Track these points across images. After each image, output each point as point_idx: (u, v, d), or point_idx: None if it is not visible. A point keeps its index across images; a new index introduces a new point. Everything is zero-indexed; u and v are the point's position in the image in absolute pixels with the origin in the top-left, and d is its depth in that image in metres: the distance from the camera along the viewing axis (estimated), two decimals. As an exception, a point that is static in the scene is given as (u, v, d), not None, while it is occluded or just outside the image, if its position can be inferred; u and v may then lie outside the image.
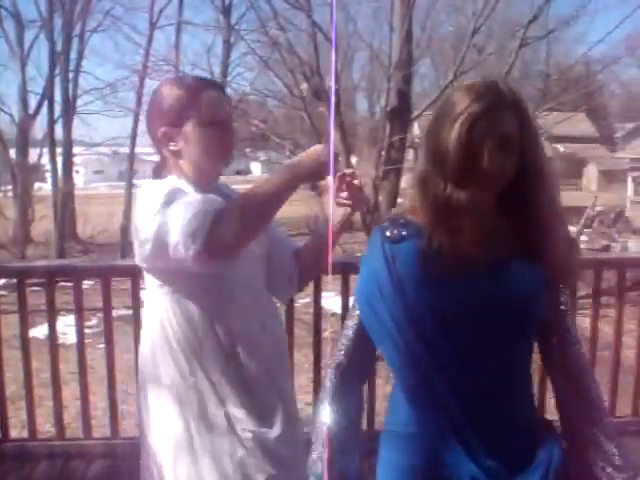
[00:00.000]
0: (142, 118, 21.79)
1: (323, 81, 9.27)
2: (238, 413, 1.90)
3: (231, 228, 1.73)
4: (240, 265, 1.87)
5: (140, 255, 1.86)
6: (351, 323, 1.64)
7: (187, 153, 1.94)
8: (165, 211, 1.75)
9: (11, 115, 22.83)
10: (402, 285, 1.51)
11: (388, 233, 1.56)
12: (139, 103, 21.18)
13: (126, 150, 23.34)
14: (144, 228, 1.80)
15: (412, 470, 1.56)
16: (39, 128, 23.86)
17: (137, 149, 22.83)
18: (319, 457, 1.58)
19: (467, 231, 1.46)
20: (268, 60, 11.00)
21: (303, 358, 5.45)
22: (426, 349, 1.50)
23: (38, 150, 23.00)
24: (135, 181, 23.36)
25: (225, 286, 1.92)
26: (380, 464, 1.63)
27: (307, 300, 5.89)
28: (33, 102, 22.91)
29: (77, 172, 23.93)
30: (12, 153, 21.89)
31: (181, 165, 1.97)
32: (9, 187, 21.27)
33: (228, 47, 21.12)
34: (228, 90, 18.81)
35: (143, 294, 2.07)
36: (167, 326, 1.92)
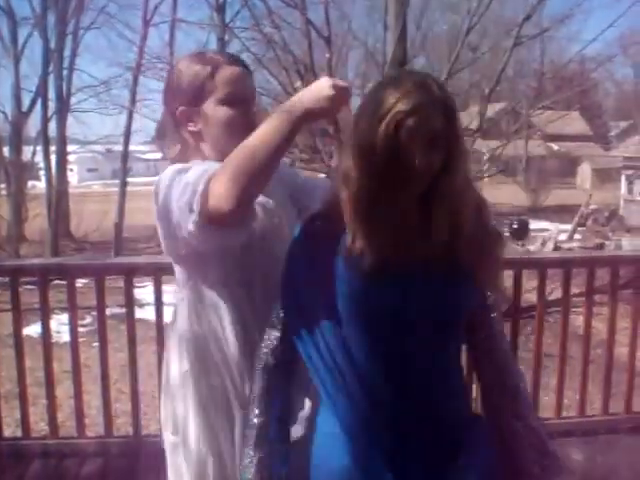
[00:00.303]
0: (136, 116, 21.80)
1: (317, 79, 9.24)
2: None
3: (224, 189, 1.51)
4: (259, 240, 1.74)
5: (163, 248, 1.78)
6: (277, 321, 1.61)
7: (207, 134, 1.80)
8: (167, 192, 1.63)
9: (4, 113, 22.79)
10: (323, 285, 1.49)
11: (311, 229, 1.56)
12: (133, 101, 21.17)
13: (120, 148, 23.33)
14: (155, 217, 1.71)
15: (345, 470, 1.53)
16: (33, 126, 23.79)
17: (131, 147, 22.84)
18: (250, 462, 1.54)
19: (389, 232, 1.43)
20: (262, 58, 10.95)
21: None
22: (345, 353, 1.49)
23: (32, 148, 22.94)
24: (129, 179, 23.35)
25: (247, 271, 1.78)
26: (312, 464, 1.60)
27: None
28: (27, 100, 22.88)
29: (71, 170, 23.93)
30: (5, 151, 21.82)
31: (202, 148, 1.83)
32: (2, 185, 21.22)
33: (222, 45, 21.00)
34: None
35: (174, 293, 1.95)
36: (194, 321, 1.84)
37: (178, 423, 1.90)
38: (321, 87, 1.56)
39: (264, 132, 1.54)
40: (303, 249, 1.56)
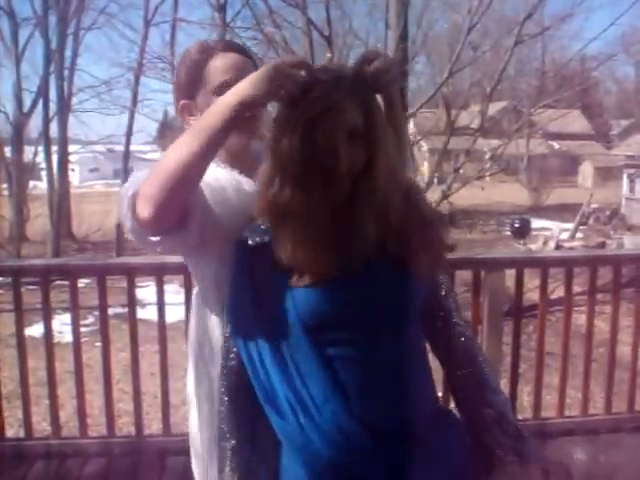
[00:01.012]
0: (137, 116, 21.78)
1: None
2: None
3: (143, 197, 1.42)
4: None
5: None
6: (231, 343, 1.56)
7: None
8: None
9: (6, 113, 22.78)
10: (263, 296, 1.46)
11: (250, 242, 1.50)
12: (134, 101, 21.17)
13: (121, 148, 23.33)
14: None
15: None
16: (34, 126, 23.81)
17: (132, 147, 22.81)
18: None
19: (316, 237, 1.39)
20: (264, 58, 10.97)
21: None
22: (293, 361, 1.45)
23: (33, 148, 22.97)
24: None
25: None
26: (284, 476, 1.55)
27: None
28: (28, 100, 22.87)
29: (72, 170, 23.95)
30: (7, 151, 21.84)
31: None
32: (4, 186, 21.24)
33: (223, 45, 21.05)
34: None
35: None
36: (196, 322, 1.87)
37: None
38: (255, 74, 1.40)
39: (187, 142, 1.44)
40: (243, 267, 1.51)
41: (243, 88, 1.39)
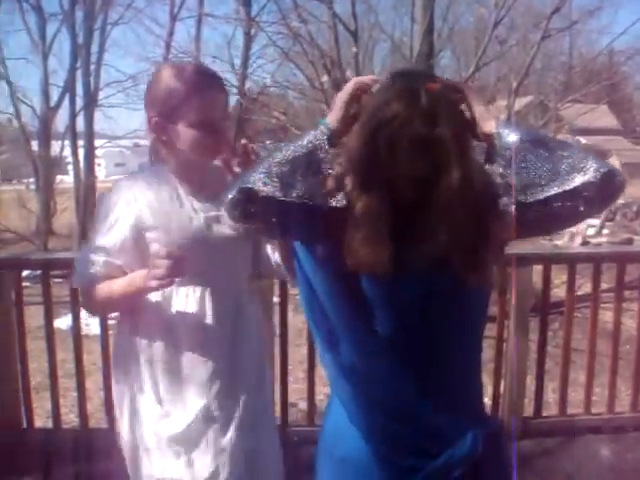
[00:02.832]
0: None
1: (344, 73, 9.25)
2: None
3: (85, 302, 2.16)
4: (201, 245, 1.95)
5: None
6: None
7: (175, 149, 1.94)
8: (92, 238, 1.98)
9: (33, 108, 22.94)
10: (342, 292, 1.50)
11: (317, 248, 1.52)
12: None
13: (147, 143, 23.37)
14: None
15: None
16: (61, 121, 23.94)
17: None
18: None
19: (384, 239, 1.41)
20: (289, 52, 10.97)
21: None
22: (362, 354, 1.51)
23: (60, 143, 23.13)
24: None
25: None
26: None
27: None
28: (55, 95, 22.99)
29: (99, 165, 24.09)
30: (34, 145, 22.02)
31: (169, 153, 1.98)
32: (31, 180, 21.41)
33: (249, 39, 21.07)
34: (249, 83, 18.85)
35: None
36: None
37: None
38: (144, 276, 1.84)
39: (117, 295, 1.93)
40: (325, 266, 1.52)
41: (144, 285, 1.83)
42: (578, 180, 1.39)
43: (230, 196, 1.43)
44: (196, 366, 1.97)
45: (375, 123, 1.40)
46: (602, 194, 1.41)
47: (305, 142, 1.48)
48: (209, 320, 1.97)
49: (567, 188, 1.39)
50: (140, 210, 1.92)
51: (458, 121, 1.45)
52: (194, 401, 1.97)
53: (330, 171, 1.46)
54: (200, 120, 1.87)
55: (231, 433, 1.98)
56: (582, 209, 1.42)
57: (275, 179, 1.41)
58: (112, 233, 1.92)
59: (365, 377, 1.52)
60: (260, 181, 1.41)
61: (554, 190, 1.40)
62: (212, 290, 1.97)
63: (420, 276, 1.43)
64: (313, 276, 1.53)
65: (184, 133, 1.88)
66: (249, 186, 1.41)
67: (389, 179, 1.40)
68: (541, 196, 1.41)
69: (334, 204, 1.43)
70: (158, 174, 2.00)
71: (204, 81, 1.90)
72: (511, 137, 1.45)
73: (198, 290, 1.96)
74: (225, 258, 1.99)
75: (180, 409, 1.97)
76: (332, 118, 1.51)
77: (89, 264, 1.93)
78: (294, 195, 1.41)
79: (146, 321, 1.99)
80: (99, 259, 1.92)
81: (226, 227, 1.95)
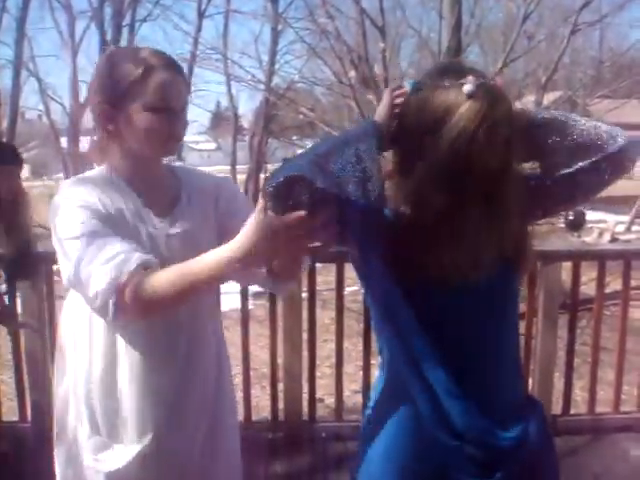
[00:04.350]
0: (190, 106, 22.04)
1: (371, 69, 9.24)
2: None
3: (138, 306, 1.48)
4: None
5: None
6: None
7: (125, 136, 1.68)
8: (78, 253, 1.53)
9: (62, 105, 23.22)
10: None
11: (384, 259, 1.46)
12: (188, 92, 21.34)
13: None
14: (60, 259, 1.60)
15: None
16: (90, 117, 24.19)
17: (185, 137, 22.97)
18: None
19: (461, 241, 1.42)
20: (316, 48, 10.97)
21: (351, 346, 5.47)
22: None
23: (89, 139, 23.32)
24: (183, 169, 23.55)
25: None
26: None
27: (355, 288, 5.92)
28: (84, 91, 23.27)
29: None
30: (63, 142, 22.27)
31: (116, 149, 1.72)
32: (60, 175, 21.63)
33: (276, 35, 21.13)
34: (276, 79, 18.89)
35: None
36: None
37: None
38: (251, 230, 1.33)
39: (196, 273, 1.43)
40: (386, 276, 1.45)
41: (240, 248, 1.35)
42: (598, 153, 1.47)
43: (277, 184, 1.22)
44: (138, 393, 1.73)
45: (455, 133, 1.33)
46: (622, 161, 1.50)
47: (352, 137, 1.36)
48: (158, 346, 1.73)
49: (591, 160, 1.47)
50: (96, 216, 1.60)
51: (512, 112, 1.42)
52: (135, 433, 1.74)
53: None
54: (158, 102, 1.63)
55: (178, 469, 1.79)
56: (607, 177, 1.51)
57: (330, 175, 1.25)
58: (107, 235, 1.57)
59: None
60: (313, 172, 1.23)
61: (579, 164, 1.47)
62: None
63: (489, 273, 1.44)
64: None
65: (137, 118, 1.64)
66: (302, 174, 1.22)
67: (472, 178, 1.37)
68: (566, 170, 1.49)
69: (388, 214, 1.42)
70: (106, 178, 1.72)
71: (163, 62, 1.67)
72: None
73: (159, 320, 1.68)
74: None
75: (121, 441, 1.75)
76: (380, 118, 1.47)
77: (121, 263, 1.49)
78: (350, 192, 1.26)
79: (85, 337, 1.74)
80: (130, 255, 1.51)
81: (189, 245, 1.69)
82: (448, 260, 1.39)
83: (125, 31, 22.10)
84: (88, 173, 1.77)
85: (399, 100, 1.49)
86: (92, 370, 1.73)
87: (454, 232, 1.40)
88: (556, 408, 3.73)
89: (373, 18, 9.21)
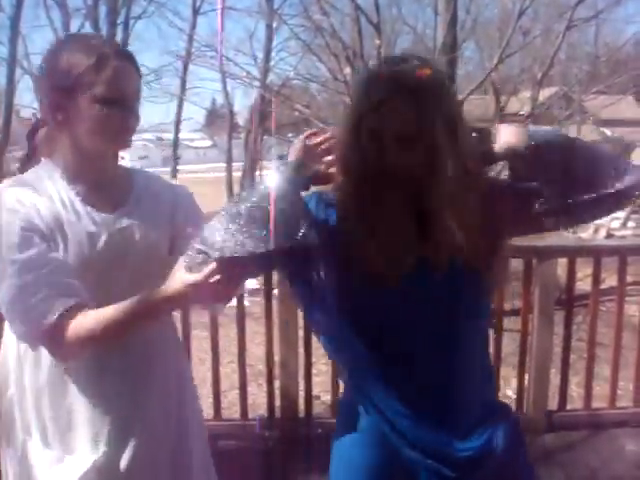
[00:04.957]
0: (185, 104, 21.99)
1: (366, 65, 9.23)
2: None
3: (71, 346, 1.50)
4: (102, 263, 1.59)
5: None
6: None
7: (75, 128, 1.59)
8: (8, 282, 1.48)
9: (57, 102, 23.18)
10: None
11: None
12: (183, 89, 21.35)
13: (170, 136, 23.54)
14: None
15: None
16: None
17: (181, 135, 22.99)
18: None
19: (383, 235, 1.38)
20: (311, 45, 10.97)
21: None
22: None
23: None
24: (179, 167, 23.59)
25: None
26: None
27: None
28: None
29: (122, 158, 24.21)
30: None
31: (65, 142, 1.63)
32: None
33: (271, 32, 21.13)
34: (271, 76, 18.87)
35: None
36: None
37: None
38: (178, 281, 1.42)
39: (128, 314, 1.48)
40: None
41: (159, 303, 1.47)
42: (617, 185, 1.40)
43: (199, 262, 1.36)
44: (88, 403, 1.64)
45: (360, 115, 1.34)
46: (630, 197, 1.44)
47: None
48: (109, 355, 1.64)
49: (608, 191, 1.39)
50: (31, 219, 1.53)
51: (447, 108, 1.36)
52: (87, 445, 1.64)
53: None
54: (110, 93, 1.55)
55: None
56: (606, 212, 1.48)
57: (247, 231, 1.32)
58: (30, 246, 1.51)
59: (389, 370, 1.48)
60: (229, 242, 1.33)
61: (595, 193, 1.40)
62: None
63: (438, 272, 1.39)
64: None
65: (87, 109, 1.55)
66: (218, 255, 1.34)
67: (388, 175, 1.34)
68: (581, 198, 1.40)
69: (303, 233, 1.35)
70: (46, 176, 1.63)
71: (116, 51, 1.59)
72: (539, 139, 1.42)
73: None
74: (133, 281, 1.61)
75: (72, 454, 1.64)
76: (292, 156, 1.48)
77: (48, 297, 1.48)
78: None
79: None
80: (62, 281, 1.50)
81: (135, 244, 1.65)
82: (367, 259, 1.37)
83: (120, 29, 22.08)
84: (27, 173, 1.66)
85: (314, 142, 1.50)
86: (39, 380, 1.63)
87: (370, 231, 1.37)
88: (552, 404, 3.74)
89: (368, 15, 9.21)
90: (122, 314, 1.49)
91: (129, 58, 1.62)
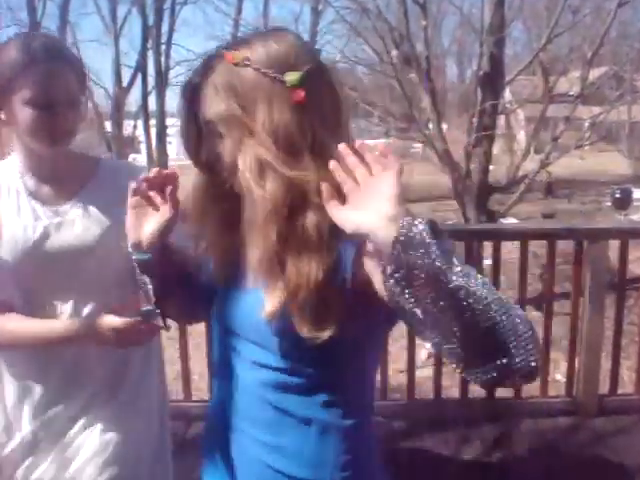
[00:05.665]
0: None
1: (413, 47, 9.16)
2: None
3: None
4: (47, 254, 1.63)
5: None
6: None
7: (14, 126, 1.62)
8: None
9: (105, 89, 23.54)
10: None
11: None
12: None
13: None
14: None
15: None
16: (133, 101, 24.49)
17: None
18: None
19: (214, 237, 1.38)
20: (357, 27, 10.90)
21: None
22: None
23: (132, 122, 23.64)
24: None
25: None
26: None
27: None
28: (127, 75, 23.49)
29: (170, 143, 24.49)
30: (108, 126, 22.57)
31: (13, 138, 1.68)
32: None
33: (316, 15, 21.09)
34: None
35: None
36: None
37: None
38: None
39: (30, 338, 1.62)
40: None
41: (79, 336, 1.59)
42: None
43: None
44: (14, 396, 1.71)
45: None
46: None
47: None
48: (37, 354, 1.69)
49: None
50: None
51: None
52: (4, 433, 1.72)
53: None
54: (35, 97, 1.54)
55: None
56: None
57: None
58: None
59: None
60: None
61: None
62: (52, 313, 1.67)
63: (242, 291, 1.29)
64: None
65: (20, 111, 1.57)
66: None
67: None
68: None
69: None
70: (6, 169, 1.70)
71: (49, 52, 1.57)
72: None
73: (38, 314, 1.65)
74: (73, 276, 1.65)
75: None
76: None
77: None
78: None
79: None
80: None
81: (76, 237, 1.65)
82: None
83: (166, 14, 22.26)
84: None
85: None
86: None
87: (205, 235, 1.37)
88: (603, 388, 3.70)
89: (414, -5, 9.12)
90: (29, 334, 1.63)
91: (64, 58, 1.60)
